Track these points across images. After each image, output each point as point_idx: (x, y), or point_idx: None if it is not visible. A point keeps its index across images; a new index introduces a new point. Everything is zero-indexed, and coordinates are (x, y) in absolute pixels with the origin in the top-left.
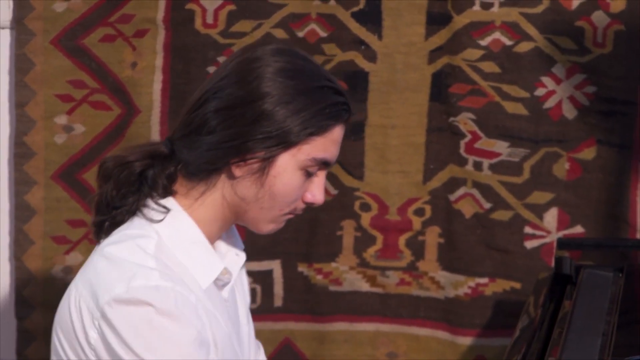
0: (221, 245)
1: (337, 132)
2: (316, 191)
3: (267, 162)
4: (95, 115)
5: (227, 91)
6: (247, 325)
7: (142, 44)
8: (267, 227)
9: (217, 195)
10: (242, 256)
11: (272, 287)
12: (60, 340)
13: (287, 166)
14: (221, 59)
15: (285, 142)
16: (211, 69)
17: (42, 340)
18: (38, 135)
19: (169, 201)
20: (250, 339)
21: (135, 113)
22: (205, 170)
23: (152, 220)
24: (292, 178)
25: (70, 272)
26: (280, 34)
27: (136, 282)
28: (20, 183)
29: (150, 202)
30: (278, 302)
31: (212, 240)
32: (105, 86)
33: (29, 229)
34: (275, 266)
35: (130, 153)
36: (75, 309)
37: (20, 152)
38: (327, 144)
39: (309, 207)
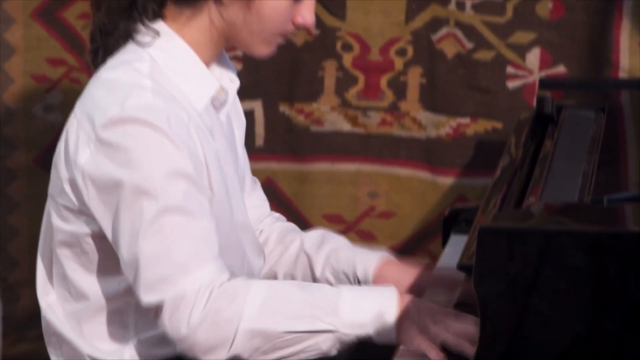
0: (214, 70)
1: None
2: (306, 13)
3: None
4: None
5: None
6: (243, 154)
7: None
8: (260, 49)
9: (205, 19)
10: (236, 81)
11: (253, 127)
12: (56, 168)
13: None
14: None
15: None
16: None
17: (24, 178)
18: None
19: (159, 25)
20: (245, 167)
21: None
22: None
23: (144, 45)
24: (280, 1)
25: (50, 111)
26: None
27: (130, 101)
28: None
29: (141, 27)
30: (259, 142)
31: (205, 64)
32: None
33: (9, 68)
34: (256, 106)
35: None
36: (73, 132)
37: None
38: None
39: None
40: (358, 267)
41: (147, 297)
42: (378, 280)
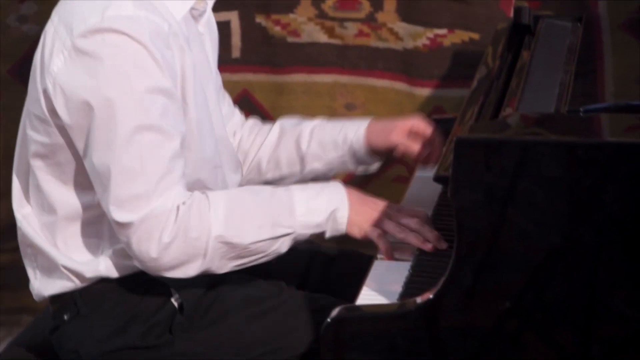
0: None
1: None
2: None
3: None
4: None
5: None
6: (215, 68)
7: None
8: None
9: None
10: None
11: (229, 39)
12: (33, 77)
13: None
14: None
15: None
16: None
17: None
18: None
19: None
20: (218, 82)
21: None
22: None
23: None
24: None
25: (25, 22)
26: None
27: (110, 12)
28: None
29: None
30: (236, 53)
31: None
32: None
33: None
34: (232, 17)
35: None
36: (49, 40)
37: None
38: None
39: None
40: (349, 130)
41: (117, 214)
42: (370, 131)
